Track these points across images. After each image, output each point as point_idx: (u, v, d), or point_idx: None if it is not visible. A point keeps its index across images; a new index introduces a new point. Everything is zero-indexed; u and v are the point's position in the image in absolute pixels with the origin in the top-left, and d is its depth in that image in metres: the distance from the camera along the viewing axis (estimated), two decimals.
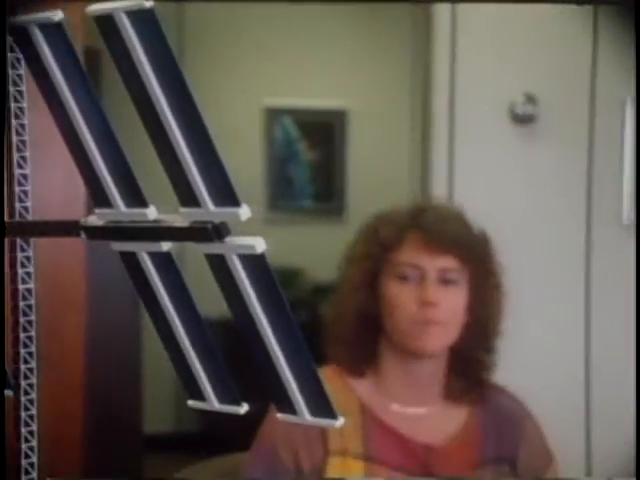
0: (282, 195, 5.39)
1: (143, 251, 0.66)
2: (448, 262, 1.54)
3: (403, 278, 1.55)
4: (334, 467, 1.52)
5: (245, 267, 0.60)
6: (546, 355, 2.70)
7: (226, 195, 0.59)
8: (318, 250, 5.15)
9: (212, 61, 5.13)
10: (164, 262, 0.66)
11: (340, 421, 0.59)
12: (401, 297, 1.54)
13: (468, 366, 1.62)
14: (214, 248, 0.61)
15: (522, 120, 2.61)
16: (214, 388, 0.68)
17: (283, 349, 0.61)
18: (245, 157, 5.29)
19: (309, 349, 0.60)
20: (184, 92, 0.59)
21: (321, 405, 0.60)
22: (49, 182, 2.24)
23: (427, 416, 1.60)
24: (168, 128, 0.60)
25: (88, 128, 0.65)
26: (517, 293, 2.60)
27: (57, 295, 2.51)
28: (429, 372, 1.60)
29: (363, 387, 1.60)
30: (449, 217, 1.60)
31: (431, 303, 1.52)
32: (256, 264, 0.60)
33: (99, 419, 2.80)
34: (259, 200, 5.33)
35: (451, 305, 1.55)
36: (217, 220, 0.60)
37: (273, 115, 5.27)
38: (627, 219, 2.69)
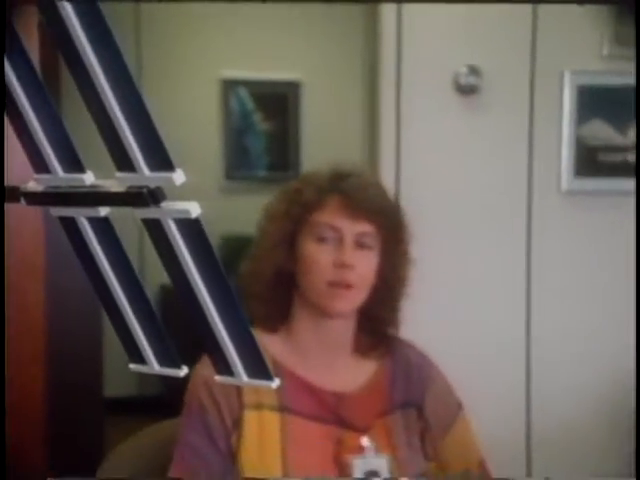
0: (238, 165, 5.35)
1: (81, 216, 0.64)
2: (365, 227, 1.54)
3: (321, 239, 1.53)
4: (251, 420, 1.52)
5: (181, 232, 0.58)
6: (488, 322, 2.72)
7: (161, 160, 0.57)
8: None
9: (169, 34, 5.06)
10: (102, 227, 0.64)
11: (276, 382, 0.57)
12: (318, 258, 1.53)
13: (376, 324, 1.64)
14: (150, 213, 0.59)
15: (465, 91, 2.61)
16: (154, 351, 0.66)
17: (219, 312, 0.59)
18: (202, 128, 5.24)
19: (244, 313, 0.58)
20: (117, 57, 0.56)
21: (257, 367, 0.58)
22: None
23: (337, 368, 1.61)
24: (102, 93, 0.58)
25: (25, 95, 0.62)
26: (461, 260, 2.61)
27: (17, 263, 2.48)
28: (339, 330, 1.60)
29: (275, 343, 1.60)
30: (369, 184, 1.59)
31: (347, 265, 1.51)
32: (191, 229, 0.58)
33: (61, 384, 2.77)
34: (216, 170, 5.29)
35: (365, 268, 1.55)
36: (152, 185, 0.58)
37: (229, 87, 5.22)
38: (565, 186, 2.71)
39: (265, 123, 5.36)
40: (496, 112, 2.65)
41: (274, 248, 1.57)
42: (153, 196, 0.58)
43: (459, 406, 1.67)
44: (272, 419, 1.53)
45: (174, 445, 1.53)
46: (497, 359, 2.69)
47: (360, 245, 1.54)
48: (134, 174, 0.59)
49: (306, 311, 1.58)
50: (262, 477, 1.48)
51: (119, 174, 0.61)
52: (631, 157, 2.71)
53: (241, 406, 1.53)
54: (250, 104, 5.32)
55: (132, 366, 0.68)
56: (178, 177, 0.57)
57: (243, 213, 5.10)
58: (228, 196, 5.31)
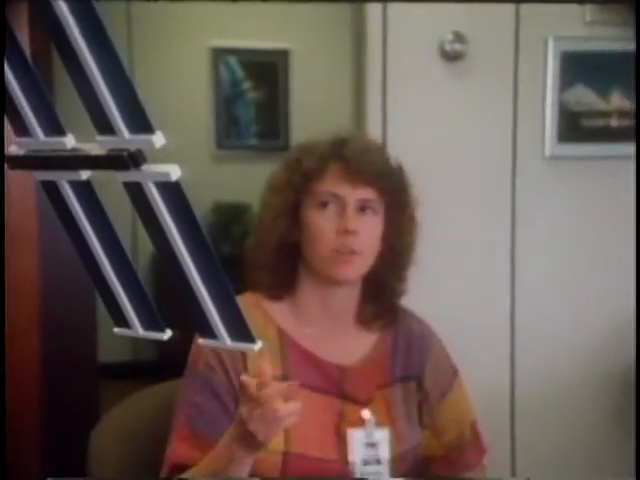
0: (229, 134, 5.32)
1: (63, 180, 0.62)
2: (368, 193, 1.51)
3: (324, 207, 1.50)
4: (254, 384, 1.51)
5: (161, 195, 0.57)
6: (472, 287, 2.71)
7: (140, 122, 0.56)
8: (264, 186, 5.11)
9: (159, 4, 4.99)
10: (84, 191, 0.62)
11: (258, 345, 0.56)
12: (321, 225, 1.50)
13: (381, 293, 1.61)
14: (131, 176, 0.57)
15: (451, 57, 2.58)
16: (138, 315, 0.64)
17: (201, 276, 0.57)
18: (192, 97, 5.20)
19: (227, 276, 0.57)
20: (96, 21, 0.54)
21: (240, 330, 0.57)
22: None
23: (340, 339, 1.59)
24: (82, 57, 0.56)
25: (6, 59, 0.60)
26: (445, 224, 2.60)
27: (10, 230, 2.45)
28: (344, 298, 1.58)
29: (280, 311, 1.57)
30: (370, 149, 1.55)
31: (350, 231, 1.48)
32: (172, 192, 0.56)
33: (55, 350, 2.76)
34: (207, 138, 5.26)
35: (369, 234, 1.52)
36: (132, 148, 0.56)
37: (219, 55, 5.17)
38: (549, 151, 2.69)
39: (255, 92, 5.32)
40: (481, 78, 2.63)
41: (277, 219, 1.54)
42: (133, 159, 0.57)
43: (455, 372, 1.65)
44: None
45: (175, 408, 1.51)
46: (481, 323, 2.69)
47: (363, 211, 1.51)
48: (114, 137, 0.58)
49: (311, 279, 1.55)
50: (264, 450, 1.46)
51: (99, 137, 0.59)
52: (613, 122, 2.70)
53: (246, 372, 1.49)
54: (240, 73, 5.27)
55: (117, 330, 0.67)
56: (158, 139, 0.55)
57: (234, 181, 5.13)
58: (219, 164, 5.28)
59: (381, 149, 1.60)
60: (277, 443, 1.46)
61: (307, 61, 5.15)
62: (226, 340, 0.58)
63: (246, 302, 1.55)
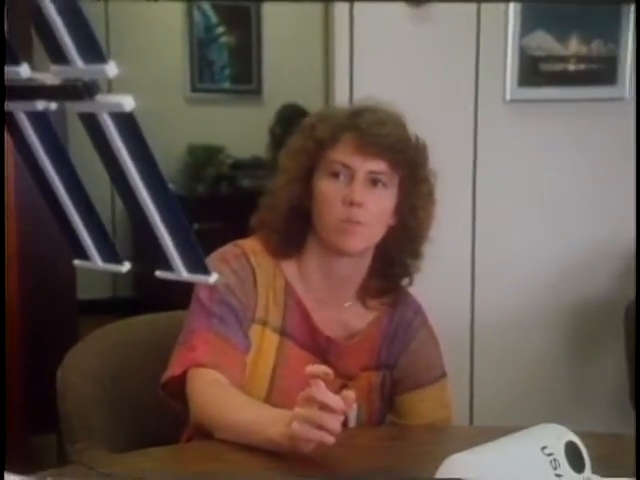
0: (202, 77, 5.23)
1: (19, 110, 0.59)
2: (378, 165, 1.44)
3: (334, 176, 1.44)
4: (255, 332, 1.48)
5: (116, 126, 0.54)
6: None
7: (93, 52, 0.52)
8: (237, 129, 5.05)
9: None
10: (40, 122, 0.59)
11: (213, 277, 0.53)
12: (330, 194, 1.44)
13: (389, 268, 1.54)
14: (85, 107, 0.54)
15: (415, 3, 2.53)
16: (97, 248, 0.62)
17: (156, 207, 0.55)
18: (167, 41, 5.10)
19: (182, 209, 0.54)
20: None
21: (195, 262, 0.55)
22: None
23: (337, 311, 1.54)
24: None
25: None
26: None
27: None
28: (349, 269, 1.52)
29: (289, 267, 1.53)
30: (386, 121, 1.46)
31: (356, 203, 1.42)
32: (126, 123, 0.53)
33: (34, 287, 2.72)
34: (182, 82, 5.17)
35: (376, 207, 1.44)
36: (86, 78, 0.53)
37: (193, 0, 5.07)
38: (510, 95, 2.67)
39: (228, 36, 5.23)
40: (444, 24, 2.58)
41: (290, 184, 1.49)
42: (88, 89, 0.54)
43: (442, 374, 1.58)
44: (272, 339, 1.48)
45: (187, 322, 1.46)
46: (443, 259, 2.68)
47: (373, 183, 1.44)
48: (68, 67, 0.54)
49: (317, 247, 1.50)
50: (248, 391, 1.41)
51: (54, 67, 0.56)
52: (571, 66, 2.69)
53: (252, 319, 1.48)
54: (213, 17, 5.17)
55: (76, 262, 0.64)
56: (110, 69, 0.52)
57: (208, 123, 5.07)
58: (193, 107, 5.21)
59: (398, 122, 1.49)
60: (259, 392, 1.44)
61: (279, 6, 5.06)
62: (182, 272, 0.56)
63: (257, 249, 1.52)
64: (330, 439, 1.19)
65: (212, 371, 1.39)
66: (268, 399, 1.45)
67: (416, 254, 1.55)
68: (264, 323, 1.49)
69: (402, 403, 1.56)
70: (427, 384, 1.56)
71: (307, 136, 1.49)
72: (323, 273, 1.52)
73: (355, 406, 1.50)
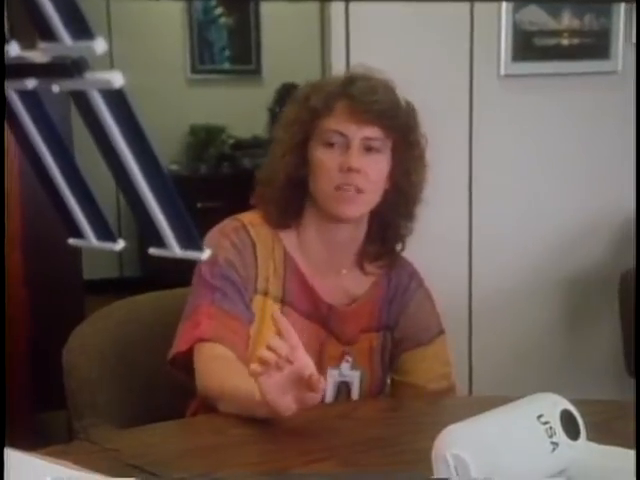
0: (202, 59, 5.20)
1: (10, 89, 0.57)
2: (372, 131, 1.44)
3: (329, 144, 1.44)
4: (257, 303, 1.48)
5: (106, 103, 0.52)
6: (430, 199, 2.68)
7: (81, 29, 0.51)
8: (238, 109, 5.03)
9: None
10: (31, 101, 0.58)
11: (206, 253, 0.52)
12: (326, 162, 1.44)
13: (386, 232, 1.55)
14: (74, 84, 0.53)
15: None
16: (91, 226, 0.60)
17: (149, 184, 0.53)
18: (167, 24, 5.07)
19: (175, 185, 0.53)
20: None
21: (189, 239, 0.54)
22: None
23: (337, 277, 1.54)
24: None
25: None
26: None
27: None
28: (347, 236, 1.52)
29: (288, 238, 1.53)
30: (377, 88, 1.46)
31: (354, 169, 1.42)
32: (116, 99, 0.52)
33: (40, 268, 2.71)
34: (182, 64, 5.14)
35: (373, 173, 1.45)
36: (75, 54, 0.52)
37: None
38: (504, 70, 2.65)
39: (227, 17, 5.20)
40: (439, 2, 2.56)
41: (285, 154, 1.49)
42: (76, 66, 0.52)
43: (440, 331, 1.58)
44: (273, 309, 1.48)
45: (191, 297, 1.46)
46: (440, 233, 2.67)
47: (368, 149, 1.45)
48: (57, 44, 0.53)
49: (316, 215, 1.50)
50: (254, 361, 1.44)
51: (42, 44, 0.54)
52: (564, 41, 2.66)
53: (254, 290, 1.48)
54: None
55: (71, 240, 0.63)
56: (99, 45, 0.50)
57: (209, 104, 5.04)
58: (194, 88, 5.19)
59: (389, 88, 1.49)
60: None
61: None
62: (175, 249, 0.54)
63: (256, 221, 1.52)
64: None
65: (217, 345, 1.39)
66: None
67: (410, 216, 1.55)
68: (265, 293, 1.49)
69: (404, 362, 1.56)
70: (427, 342, 1.56)
71: (301, 106, 1.49)
72: (322, 241, 1.52)
73: (358, 373, 1.52)
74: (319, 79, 1.52)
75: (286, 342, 1.21)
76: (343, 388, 1.52)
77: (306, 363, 1.20)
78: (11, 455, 0.96)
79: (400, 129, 1.48)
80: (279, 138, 1.52)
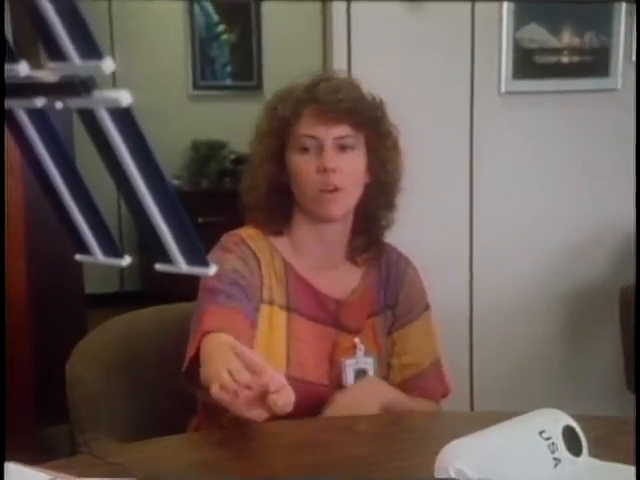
0: (204, 75, 5.22)
1: (19, 108, 0.58)
2: (342, 130, 1.47)
3: (304, 149, 1.48)
4: (264, 312, 1.49)
5: (113, 121, 0.53)
6: (431, 223, 2.68)
7: (90, 48, 0.51)
8: (239, 124, 5.01)
9: None
10: (40, 119, 0.58)
11: (212, 269, 0.52)
12: (303, 167, 1.47)
13: (370, 224, 1.58)
14: (83, 102, 0.53)
15: None
16: (98, 242, 0.61)
17: (155, 201, 0.54)
18: (169, 41, 5.09)
19: (181, 202, 0.53)
20: None
21: (195, 254, 0.54)
22: None
23: (333, 273, 1.57)
24: None
25: None
26: (406, 155, 2.56)
27: None
28: (336, 233, 1.55)
29: (282, 245, 1.55)
30: (340, 87, 1.50)
31: (330, 169, 1.45)
32: (124, 118, 0.52)
33: (42, 281, 2.71)
34: (184, 80, 5.16)
35: (350, 170, 1.48)
36: (83, 74, 0.52)
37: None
38: (504, 87, 2.65)
39: (229, 34, 5.22)
40: (440, 18, 2.57)
41: (263, 164, 1.52)
42: (85, 85, 0.53)
43: (426, 306, 1.62)
44: (280, 317, 1.50)
45: (198, 303, 1.46)
46: (441, 248, 2.67)
47: (342, 148, 1.48)
48: (65, 63, 0.53)
49: (304, 217, 1.53)
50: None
51: (51, 64, 0.55)
52: (564, 58, 2.67)
53: (260, 300, 1.49)
54: (214, 15, 5.15)
55: (78, 257, 0.63)
56: (107, 65, 0.51)
57: (211, 120, 5.05)
58: (196, 104, 5.20)
59: (353, 85, 1.53)
60: (279, 367, 1.45)
61: (278, 4, 5.04)
62: (181, 264, 0.55)
63: (252, 234, 1.54)
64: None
65: (220, 334, 1.36)
66: (288, 373, 1.45)
67: (390, 206, 1.59)
68: (271, 302, 1.50)
69: (395, 342, 1.58)
70: (416, 318, 1.60)
71: (271, 117, 1.52)
72: (314, 241, 1.55)
73: (371, 359, 1.54)
74: (284, 87, 1.55)
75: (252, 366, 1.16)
76: (361, 375, 1.53)
77: (272, 378, 1.15)
78: (12, 469, 0.96)
79: (369, 123, 1.50)
80: (256, 150, 1.55)
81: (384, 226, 1.60)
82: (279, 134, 1.50)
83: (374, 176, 1.53)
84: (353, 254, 1.59)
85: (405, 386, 1.56)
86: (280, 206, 1.54)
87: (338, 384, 1.51)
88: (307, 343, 1.50)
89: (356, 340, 1.54)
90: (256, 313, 1.47)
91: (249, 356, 1.18)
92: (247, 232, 1.54)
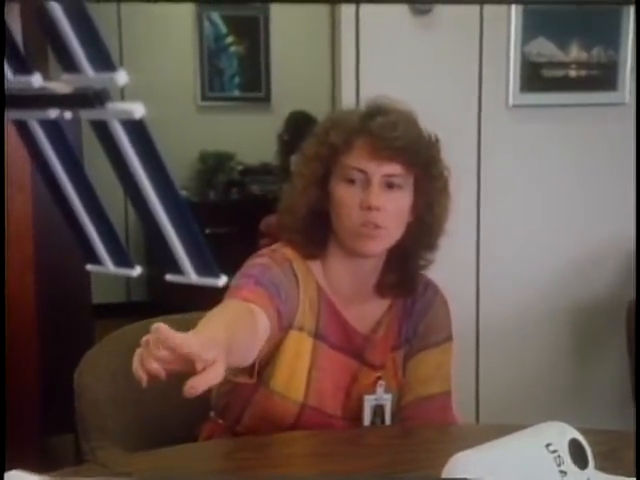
0: (213, 86, 5.24)
1: (32, 119, 0.59)
2: (393, 168, 1.41)
3: (350, 181, 1.42)
4: (293, 337, 1.45)
5: (126, 132, 0.53)
6: None
7: (103, 60, 0.52)
8: (247, 136, 5.05)
9: None
10: (53, 130, 0.59)
11: (222, 279, 0.53)
12: (347, 200, 1.42)
13: (406, 262, 1.52)
14: (96, 114, 0.54)
15: (420, 12, 2.53)
16: (109, 252, 0.61)
17: (167, 212, 0.54)
18: (178, 53, 5.11)
19: (192, 214, 0.54)
20: None
21: (205, 265, 0.54)
22: None
23: (360, 305, 1.53)
24: None
25: None
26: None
27: (4, 177, 2.40)
28: (370, 268, 1.50)
29: (317, 269, 1.50)
30: (398, 122, 1.43)
31: (374, 207, 1.39)
32: (137, 130, 0.53)
33: (50, 291, 2.72)
34: (193, 91, 5.18)
35: (394, 209, 1.42)
36: (96, 86, 0.53)
37: (202, 11, 5.07)
38: (512, 101, 2.66)
39: (237, 45, 5.24)
40: (449, 32, 2.58)
41: (306, 189, 1.47)
42: (98, 97, 0.53)
43: (448, 337, 1.57)
44: (306, 343, 1.46)
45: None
46: (448, 259, 2.67)
47: (389, 186, 1.42)
48: (79, 75, 0.54)
49: (339, 249, 1.48)
50: (287, 394, 1.42)
51: (65, 76, 0.56)
52: (571, 72, 2.68)
53: (291, 326, 1.44)
54: (223, 27, 5.17)
55: (89, 267, 0.64)
56: (120, 77, 0.51)
57: (218, 131, 5.07)
58: (204, 115, 5.21)
59: (410, 121, 1.46)
60: (297, 394, 1.44)
61: (287, 15, 5.06)
62: (192, 275, 0.55)
63: (293, 256, 1.48)
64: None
65: (245, 303, 1.30)
66: (305, 401, 1.44)
67: (431, 247, 1.53)
68: (301, 329, 1.46)
69: (408, 369, 1.54)
70: (432, 346, 1.54)
71: (321, 142, 1.46)
72: (347, 272, 1.50)
73: (390, 395, 1.50)
74: (339, 113, 1.49)
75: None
76: (378, 411, 1.51)
77: (184, 342, 1.11)
78: (14, 477, 0.96)
79: (422, 164, 1.45)
80: (300, 172, 1.50)
81: (422, 266, 1.55)
82: (327, 161, 1.45)
83: (419, 216, 1.48)
84: (383, 289, 1.54)
85: (408, 408, 1.54)
86: (317, 232, 1.49)
87: (351, 417, 1.49)
88: (328, 373, 1.47)
89: (380, 379, 1.50)
90: (284, 334, 1.43)
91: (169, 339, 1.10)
92: (289, 253, 1.49)
